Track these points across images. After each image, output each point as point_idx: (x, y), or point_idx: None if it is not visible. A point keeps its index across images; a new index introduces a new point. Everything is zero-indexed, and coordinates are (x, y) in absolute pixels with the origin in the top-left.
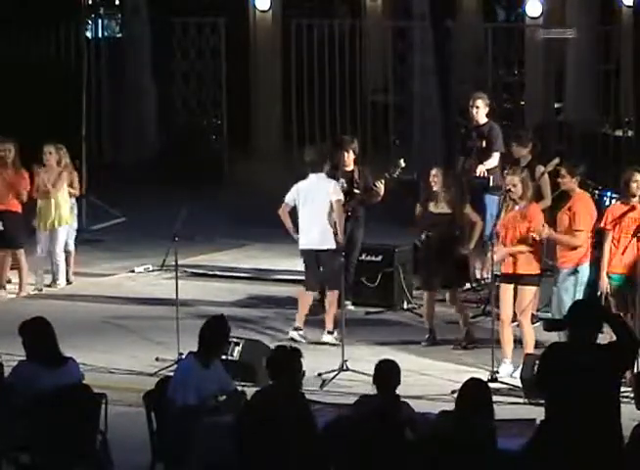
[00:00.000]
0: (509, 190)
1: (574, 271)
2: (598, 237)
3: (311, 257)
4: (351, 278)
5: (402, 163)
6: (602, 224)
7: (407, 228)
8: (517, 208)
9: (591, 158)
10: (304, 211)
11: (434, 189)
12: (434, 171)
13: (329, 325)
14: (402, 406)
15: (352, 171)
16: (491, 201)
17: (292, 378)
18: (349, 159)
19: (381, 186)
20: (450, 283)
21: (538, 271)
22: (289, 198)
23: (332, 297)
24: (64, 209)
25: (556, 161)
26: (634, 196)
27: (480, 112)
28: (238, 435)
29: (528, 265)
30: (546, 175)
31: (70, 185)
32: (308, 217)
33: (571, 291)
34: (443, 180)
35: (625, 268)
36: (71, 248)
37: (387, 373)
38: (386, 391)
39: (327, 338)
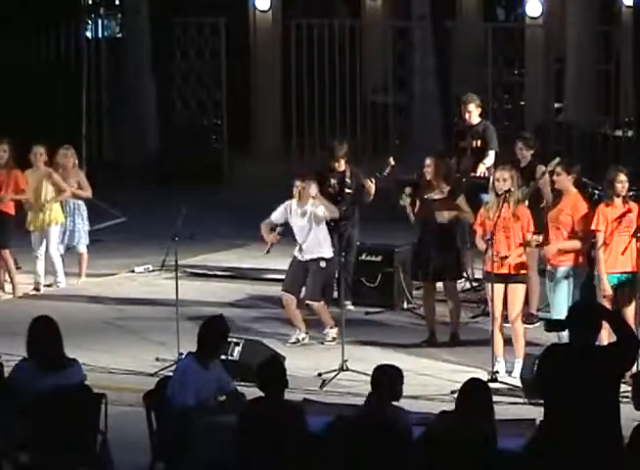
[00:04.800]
0: (508, 190)
1: (572, 271)
2: (592, 238)
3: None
4: (350, 279)
5: (392, 161)
6: (594, 226)
7: (407, 222)
8: (508, 207)
9: (591, 158)
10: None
11: (428, 178)
12: (427, 161)
13: (329, 323)
14: (395, 414)
15: (344, 171)
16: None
17: (284, 386)
18: (340, 164)
19: (371, 185)
20: (447, 274)
21: (527, 270)
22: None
23: (318, 308)
24: (55, 209)
25: (556, 161)
26: (619, 196)
27: (473, 115)
28: (238, 436)
29: (519, 265)
30: (547, 175)
31: (79, 187)
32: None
33: (567, 291)
34: (436, 169)
35: (625, 268)
36: (83, 249)
37: (377, 379)
38: (378, 396)
39: (333, 333)
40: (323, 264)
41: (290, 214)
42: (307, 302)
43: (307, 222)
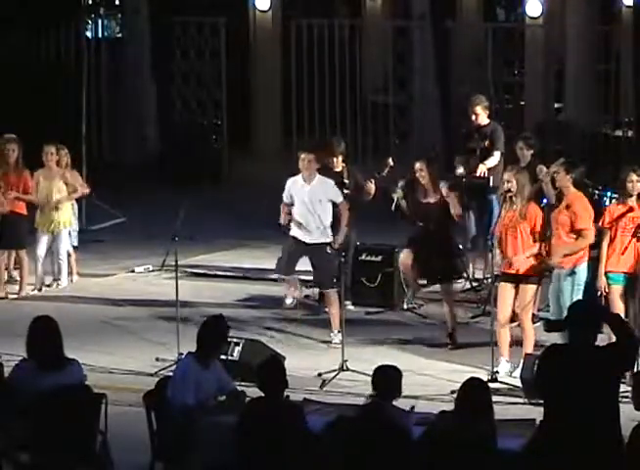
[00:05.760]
0: (508, 190)
1: (574, 271)
2: (597, 237)
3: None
4: (349, 279)
5: (391, 162)
6: (600, 224)
7: (405, 221)
8: (514, 207)
9: (591, 158)
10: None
11: (422, 182)
12: (418, 165)
13: (336, 325)
14: (395, 414)
15: (341, 172)
16: (493, 201)
17: (284, 386)
18: (338, 162)
19: (371, 186)
20: (445, 275)
21: (538, 270)
22: None
23: (334, 299)
24: (66, 211)
25: (561, 161)
26: (631, 196)
27: (481, 117)
28: (238, 436)
29: (530, 264)
30: (548, 175)
31: (74, 188)
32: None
33: (569, 291)
34: (430, 173)
35: (625, 268)
36: (71, 249)
37: (377, 379)
38: (379, 397)
39: (338, 338)
40: (329, 250)
41: (295, 189)
42: (326, 291)
43: (311, 199)
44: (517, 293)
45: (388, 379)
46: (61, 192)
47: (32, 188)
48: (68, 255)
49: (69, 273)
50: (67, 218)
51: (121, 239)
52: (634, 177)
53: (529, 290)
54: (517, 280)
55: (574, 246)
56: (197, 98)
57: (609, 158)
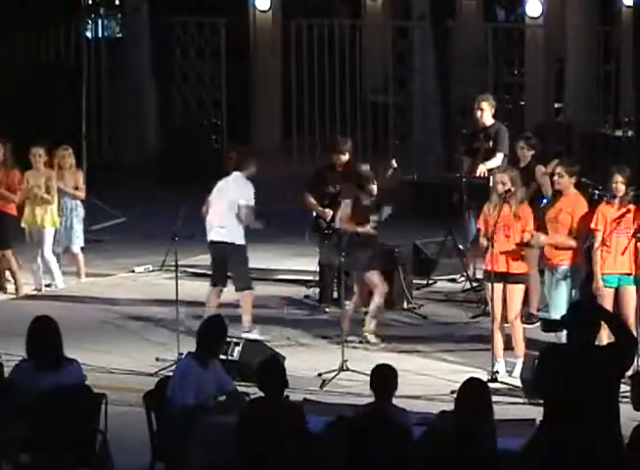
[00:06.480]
0: (508, 190)
1: (571, 271)
2: (591, 238)
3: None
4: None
5: (394, 163)
6: (593, 224)
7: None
8: (510, 207)
9: (591, 158)
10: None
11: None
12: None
13: (247, 320)
14: (396, 414)
15: None
16: None
17: (284, 386)
18: (344, 160)
19: (373, 186)
20: (370, 264)
21: (527, 270)
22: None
23: (246, 299)
24: (50, 211)
25: (557, 162)
26: (615, 197)
27: (486, 114)
28: (238, 436)
29: (518, 264)
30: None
31: (75, 187)
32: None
33: (567, 290)
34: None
35: (623, 269)
36: (77, 249)
37: (380, 379)
38: (379, 396)
39: (254, 335)
40: (240, 250)
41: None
42: (244, 292)
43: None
44: (505, 292)
45: (386, 378)
46: (49, 192)
47: (21, 188)
48: (74, 254)
49: (78, 274)
50: (49, 219)
51: (121, 239)
52: (618, 178)
53: (516, 289)
54: (504, 279)
55: (562, 240)
56: (197, 98)
57: (609, 158)
